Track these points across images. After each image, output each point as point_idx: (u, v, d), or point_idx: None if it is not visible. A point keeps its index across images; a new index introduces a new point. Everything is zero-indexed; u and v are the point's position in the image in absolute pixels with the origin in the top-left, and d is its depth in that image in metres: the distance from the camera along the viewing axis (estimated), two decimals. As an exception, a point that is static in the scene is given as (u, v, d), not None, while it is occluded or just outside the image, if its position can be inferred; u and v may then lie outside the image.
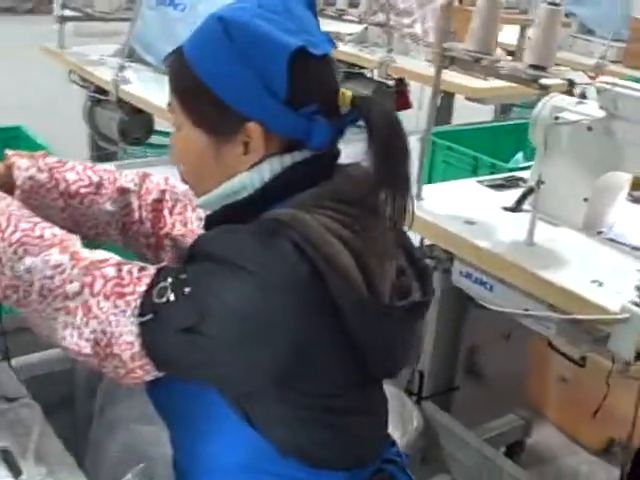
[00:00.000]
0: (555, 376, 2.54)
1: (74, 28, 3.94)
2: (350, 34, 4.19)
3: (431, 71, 3.57)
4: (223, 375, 1.00)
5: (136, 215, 1.34)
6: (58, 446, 1.16)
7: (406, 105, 3.73)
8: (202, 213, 1.26)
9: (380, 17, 3.95)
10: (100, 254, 1.04)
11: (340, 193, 1.04)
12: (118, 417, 1.40)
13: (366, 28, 4.17)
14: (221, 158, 1.06)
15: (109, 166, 1.38)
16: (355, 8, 4.32)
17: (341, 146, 1.11)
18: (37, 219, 1.09)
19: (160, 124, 3.42)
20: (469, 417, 2.26)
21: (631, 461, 2.01)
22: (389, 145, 1.03)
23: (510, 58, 1.86)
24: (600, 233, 1.85)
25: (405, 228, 1.10)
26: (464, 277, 1.79)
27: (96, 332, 0.99)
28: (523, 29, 2.14)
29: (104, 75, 3.28)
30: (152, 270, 1.00)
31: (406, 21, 3.80)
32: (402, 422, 1.93)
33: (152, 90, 3.08)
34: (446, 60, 1.85)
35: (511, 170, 2.35)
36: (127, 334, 0.97)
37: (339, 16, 4.31)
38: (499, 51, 1.83)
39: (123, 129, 3.35)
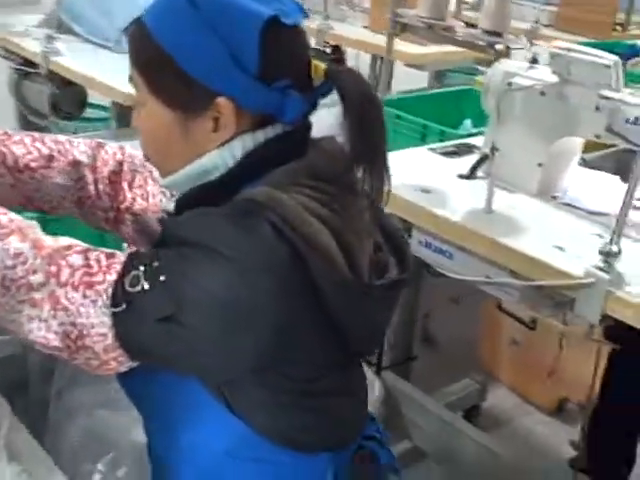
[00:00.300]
0: (507, 339, 2.59)
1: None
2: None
3: (369, 38, 3.61)
4: (204, 364, 0.97)
5: (91, 189, 1.28)
6: (30, 441, 1.12)
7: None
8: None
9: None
10: (63, 240, 0.98)
11: (316, 169, 1.01)
12: (79, 401, 1.37)
13: (302, -5, 4.10)
14: (189, 135, 1.01)
15: (60, 137, 1.29)
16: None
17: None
18: None
19: (93, 97, 3.32)
20: (426, 384, 2.29)
21: (589, 421, 2.07)
22: (365, 118, 1.00)
23: (462, 24, 1.84)
24: (555, 198, 1.87)
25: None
26: (423, 246, 1.78)
27: (65, 324, 0.94)
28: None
29: (32, 47, 3.15)
30: (122, 257, 0.95)
31: (341, -13, 3.76)
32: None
33: (84, 62, 2.97)
34: (397, 27, 1.82)
35: (461, 137, 2.35)
36: (99, 325, 0.93)
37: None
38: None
39: (54, 103, 3.22)
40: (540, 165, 1.84)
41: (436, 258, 1.76)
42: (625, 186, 1.45)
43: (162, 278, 0.91)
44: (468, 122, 2.64)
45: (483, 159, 1.91)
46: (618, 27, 4.07)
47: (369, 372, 2.03)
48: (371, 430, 1.20)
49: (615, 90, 1.62)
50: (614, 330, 1.58)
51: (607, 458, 2.06)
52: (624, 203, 1.43)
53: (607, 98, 1.62)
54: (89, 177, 1.27)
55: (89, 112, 3.38)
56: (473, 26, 2.12)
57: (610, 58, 1.64)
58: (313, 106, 1.05)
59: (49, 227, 1.02)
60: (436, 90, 3.18)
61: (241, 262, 0.91)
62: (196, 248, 0.92)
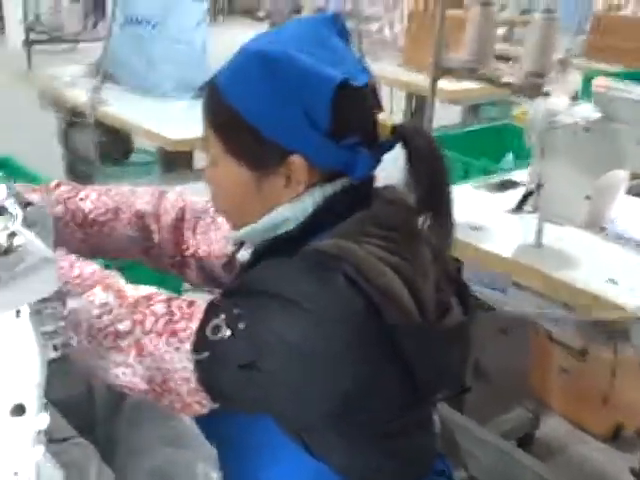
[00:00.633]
0: (557, 368, 2.60)
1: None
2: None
3: (404, 76, 3.68)
4: (280, 410, 1.01)
5: (156, 237, 1.33)
6: None
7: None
8: (227, 232, 1.25)
9: (349, 24, 3.97)
10: (144, 290, 1.04)
11: (382, 218, 1.05)
12: (144, 440, 1.39)
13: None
14: (262, 191, 1.07)
15: (124, 188, 1.35)
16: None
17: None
18: (72, 257, 1.08)
19: (137, 142, 3.42)
20: (479, 414, 2.30)
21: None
22: (433, 172, 1.06)
23: (504, 65, 1.90)
24: (603, 229, 1.90)
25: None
26: (476, 284, 1.82)
27: (151, 369, 0.99)
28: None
29: (79, 97, 3.25)
30: (202, 305, 1.00)
31: (374, 27, 3.84)
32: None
33: (129, 109, 3.07)
34: (440, 70, 1.88)
35: (503, 171, 2.39)
36: (182, 370, 0.97)
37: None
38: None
39: (102, 150, 3.32)
40: (587, 198, 1.87)
41: (490, 294, 1.80)
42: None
43: (242, 326, 0.95)
44: (510, 157, 2.68)
45: (529, 194, 1.95)
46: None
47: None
48: (440, 465, 1.24)
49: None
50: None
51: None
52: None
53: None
54: (154, 226, 1.33)
55: (134, 157, 3.48)
56: (506, 60, 2.18)
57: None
58: (378, 161, 1.09)
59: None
60: (476, 126, 3.23)
61: (318, 314, 0.94)
62: (274, 298, 0.96)
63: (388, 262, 1.00)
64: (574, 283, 1.62)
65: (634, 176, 2.06)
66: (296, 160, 1.03)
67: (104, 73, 3.30)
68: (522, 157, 2.28)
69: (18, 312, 0.72)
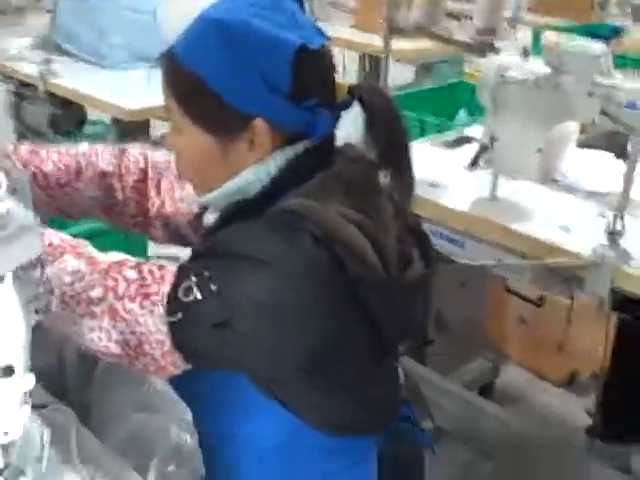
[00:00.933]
0: (514, 318, 2.68)
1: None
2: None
3: (357, 37, 3.68)
4: (255, 367, 1.04)
5: (119, 196, 1.34)
6: (97, 443, 1.17)
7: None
8: (191, 190, 1.24)
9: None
10: (114, 256, 1.06)
11: (344, 176, 1.08)
12: (116, 407, 1.40)
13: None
14: (227, 157, 1.08)
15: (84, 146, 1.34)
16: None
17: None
18: None
19: (91, 114, 3.38)
20: (441, 366, 2.36)
21: (602, 389, 2.15)
22: (391, 130, 1.09)
23: (456, 23, 1.92)
24: (556, 181, 1.96)
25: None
26: (435, 237, 1.87)
27: (125, 333, 1.01)
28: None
29: (28, 70, 3.20)
30: (173, 268, 1.02)
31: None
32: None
33: (81, 81, 3.03)
34: (393, 30, 1.90)
35: (457, 128, 2.44)
36: (157, 333, 0.99)
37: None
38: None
39: (55, 122, 3.28)
40: (539, 151, 1.92)
41: (448, 247, 1.85)
42: (620, 163, 1.53)
43: (213, 288, 0.97)
44: (463, 113, 2.72)
45: (483, 150, 1.99)
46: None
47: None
48: (405, 411, 1.28)
49: (607, 76, 1.71)
50: (622, 301, 1.67)
51: (623, 423, 2.15)
52: (625, 184, 1.52)
53: (599, 85, 1.70)
54: (117, 185, 1.33)
55: (87, 129, 3.43)
56: (457, 18, 2.20)
57: (599, 48, 1.72)
58: (337, 120, 1.11)
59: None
60: (430, 85, 3.27)
61: (286, 271, 0.97)
62: (245, 260, 0.98)
63: (351, 219, 1.02)
64: (529, 233, 1.67)
65: (584, 129, 2.12)
66: (259, 124, 1.05)
67: (53, 45, 3.25)
68: (476, 114, 2.32)
69: (2, 278, 0.74)
